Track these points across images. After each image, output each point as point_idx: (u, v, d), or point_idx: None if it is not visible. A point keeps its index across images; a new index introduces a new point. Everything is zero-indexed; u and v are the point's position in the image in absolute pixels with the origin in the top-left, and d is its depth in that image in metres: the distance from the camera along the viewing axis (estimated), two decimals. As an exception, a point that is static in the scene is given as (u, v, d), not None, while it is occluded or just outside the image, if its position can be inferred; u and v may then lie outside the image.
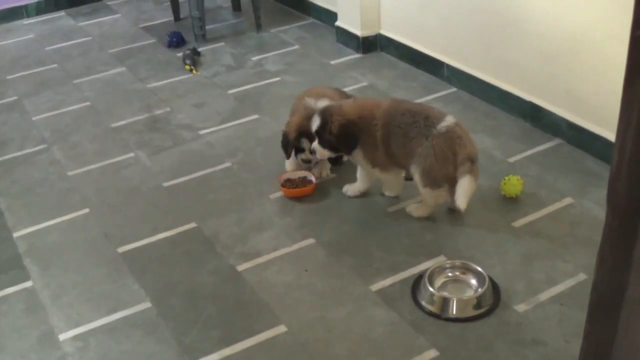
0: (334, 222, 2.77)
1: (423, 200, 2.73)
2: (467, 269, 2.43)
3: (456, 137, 2.55)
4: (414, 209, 2.77)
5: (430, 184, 2.60)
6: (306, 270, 2.54)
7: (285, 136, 2.93)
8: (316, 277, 2.51)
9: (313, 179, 2.92)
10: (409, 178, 2.74)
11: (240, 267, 2.57)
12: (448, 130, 2.54)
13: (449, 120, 2.58)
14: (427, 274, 2.38)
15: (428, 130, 2.55)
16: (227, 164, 3.22)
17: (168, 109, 3.76)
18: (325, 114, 2.68)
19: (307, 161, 2.93)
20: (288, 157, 2.96)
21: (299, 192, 2.87)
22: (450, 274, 2.44)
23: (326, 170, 3.03)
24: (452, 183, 2.57)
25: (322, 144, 2.71)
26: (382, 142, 2.60)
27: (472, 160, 2.55)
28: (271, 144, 3.29)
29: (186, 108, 3.76)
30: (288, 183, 2.92)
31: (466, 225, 2.71)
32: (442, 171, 2.57)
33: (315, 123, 2.70)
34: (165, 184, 3.10)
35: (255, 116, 3.63)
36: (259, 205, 2.91)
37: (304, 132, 2.83)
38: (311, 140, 2.80)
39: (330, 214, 2.81)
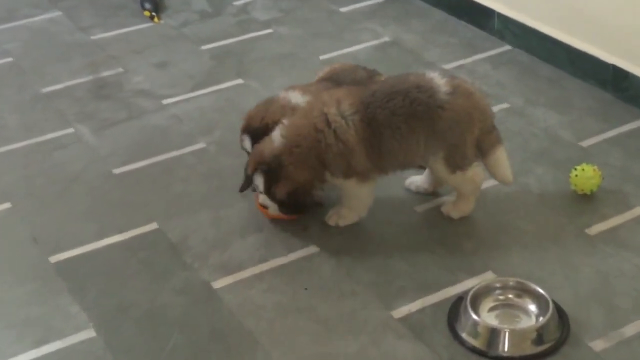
0: (344, 226, 2.77)
1: (459, 194, 2.75)
2: (523, 291, 2.42)
3: (469, 93, 2.64)
4: (451, 208, 2.78)
5: (461, 163, 2.64)
6: (305, 289, 2.53)
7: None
8: (319, 298, 2.50)
9: None
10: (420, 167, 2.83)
11: (217, 284, 2.57)
12: (455, 88, 2.61)
13: (440, 77, 2.64)
14: (469, 297, 2.38)
15: (434, 99, 2.59)
16: (201, 145, 3.22)
17: (120, 70, 3.75)
18: (267, 172, 2.64)
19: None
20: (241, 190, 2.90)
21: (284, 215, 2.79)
22: (501, 297, 2.43)
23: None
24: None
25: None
26: (362, 142, 2.59)
27: (494, 124, 2.69)
28: (259, 118, 3.29)
29: (145, 68, 3.75)
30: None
31: (522, 231, 2.71)
32: (470, 138, 2.63)
33: (258, 181, 2.68)
34: (117, 171, 3.10)
35: (239, 81, 3.62)
36: (243, 200, 2.90)
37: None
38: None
39: (339, 213, 2.82)
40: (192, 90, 3.57)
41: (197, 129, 3.31)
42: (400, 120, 2.58)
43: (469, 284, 2.50)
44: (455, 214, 2.77)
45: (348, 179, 2.65)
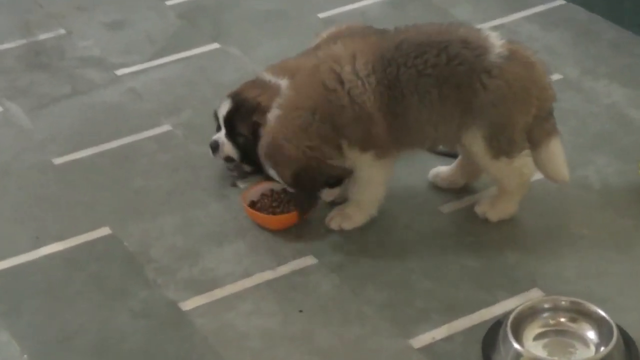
0: (350, 230, 2.79)
1: (500, 189, 2.76)
2: (579, 313, 2.43)
3: (530, 63, 2.65)
4: (488, 207, 2.79)
5: (507, 148, 2.65)
6: (300, 311, 2.54)
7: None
8: (318, 322, 2.51)
9: None
10: (450, 154, 2.87)
11: (187, 305, 2.58)
12: (513, 52, 2.61)
13: (497, 38, 2.64)
14: (509, 321, 2.38)
15: (481, 60, 2.59)
16: (165, 127, 3.23)
17: (61, 31, 3.76)
18: (268, 154, 2.70)
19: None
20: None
21: (281, 221, 2.81)
22: (551, 321, 2.44)
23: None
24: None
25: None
26: (381, 110, 2.61)
27: (552, 110, 2.70)
28: (241, 93, 3.30)
29: (94, 30, 3.77)
30: (263, 200, 2.87)
31: (578, 237, 2.72)
32: (523, 120, 2.63)
33: (273, 174, 2.73)
34: (57, 161, 3.11)
35: (214, 45, 3.64)
36: (219, 197, 2.92)
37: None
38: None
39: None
40: (154, 57, 3.59)
41: (160, 108, 3.32)
42: (429, 84, 2.58)
43: (510, 304, 2.51)
44: (493, 216, 2.78)
45: (365, 152, 2.66)
